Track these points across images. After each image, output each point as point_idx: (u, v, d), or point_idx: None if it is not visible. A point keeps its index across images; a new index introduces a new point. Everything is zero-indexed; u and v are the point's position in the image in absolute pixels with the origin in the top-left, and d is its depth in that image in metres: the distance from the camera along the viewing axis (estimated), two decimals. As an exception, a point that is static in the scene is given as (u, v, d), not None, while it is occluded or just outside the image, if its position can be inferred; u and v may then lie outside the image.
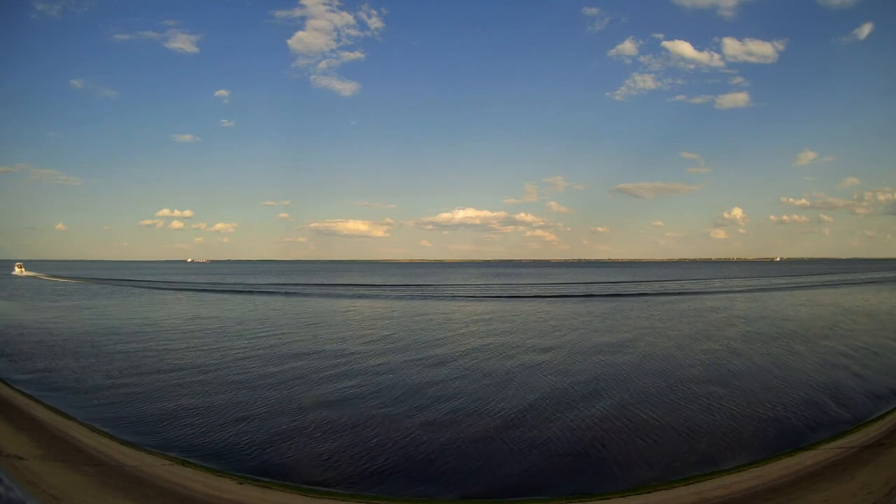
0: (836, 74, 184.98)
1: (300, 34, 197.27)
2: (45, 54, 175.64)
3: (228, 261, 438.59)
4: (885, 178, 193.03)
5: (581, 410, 13.07)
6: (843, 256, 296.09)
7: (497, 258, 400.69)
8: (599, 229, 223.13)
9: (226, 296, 55.03)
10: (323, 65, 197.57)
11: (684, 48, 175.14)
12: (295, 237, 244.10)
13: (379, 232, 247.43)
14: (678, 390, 14.93)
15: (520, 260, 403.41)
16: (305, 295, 56.59)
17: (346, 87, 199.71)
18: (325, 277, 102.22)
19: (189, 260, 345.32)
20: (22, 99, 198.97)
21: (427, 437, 11.28)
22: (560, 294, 55.92)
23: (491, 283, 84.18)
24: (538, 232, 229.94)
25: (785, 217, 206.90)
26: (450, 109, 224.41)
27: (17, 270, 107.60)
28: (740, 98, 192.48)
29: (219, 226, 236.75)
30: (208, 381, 16.38)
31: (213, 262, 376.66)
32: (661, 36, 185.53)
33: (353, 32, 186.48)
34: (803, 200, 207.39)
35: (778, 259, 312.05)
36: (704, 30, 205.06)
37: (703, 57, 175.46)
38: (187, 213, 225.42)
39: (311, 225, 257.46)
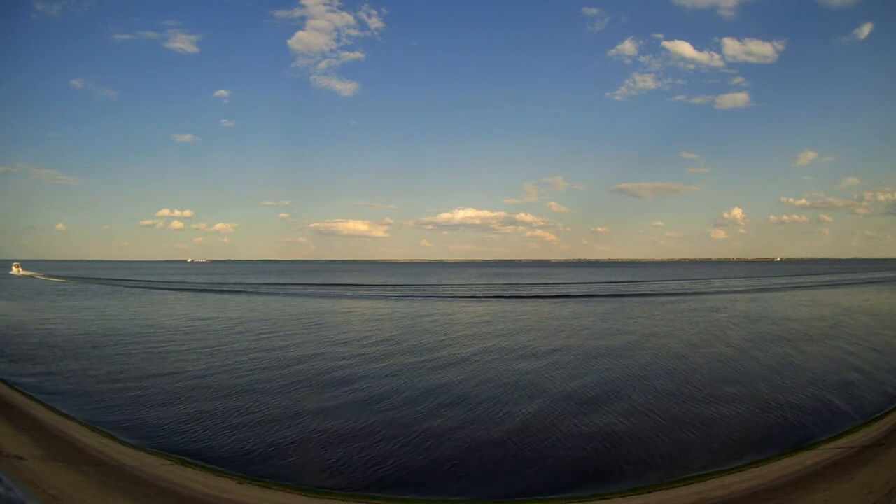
0: (836, 74, 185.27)
1: (300, 34, 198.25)
2: (45, 54, 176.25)
3: (228, 261, 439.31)
4: (885, 178, 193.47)
5: (594, 415, 12.85)
6: (843, 256, 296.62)
7: (497, 258, 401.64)
8: (599, 229, 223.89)
9: (226, 296, 55.02)
10: (323, 65, 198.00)
11: (684, 48, 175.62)
12: (295, 237, 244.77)
13: (379, 232, 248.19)
14: (690, 391, 14.92)
15: (520, 260, 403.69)
16: (306, 295, 56.58)
17: (346, 87, 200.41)
18: (325, 277, 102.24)
19: (189, 260, 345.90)
20: (22, 99, 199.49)
21: (436, 442, 11.05)
22: (561, 294, 55.91)
23: (492, 283, 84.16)
24: (538, 232, 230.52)
25: (785, 217, 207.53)
26: (450, 109, 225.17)
27: (14, 270, 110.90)
28: (740, 98, 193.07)
29: (219, 226, 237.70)
30: (210, 383, 16.31)
31: (213, 262, 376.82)
32: (661, 36, 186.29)
33: (353, 32, 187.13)
34: (803, 200, 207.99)
35: (778, 259, 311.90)
36: (704, 30, 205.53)
37: (703, 57, 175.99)
38: (187, 213, 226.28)
39: (311, 225, 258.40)
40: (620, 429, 11.76)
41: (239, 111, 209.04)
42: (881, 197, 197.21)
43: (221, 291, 61.78)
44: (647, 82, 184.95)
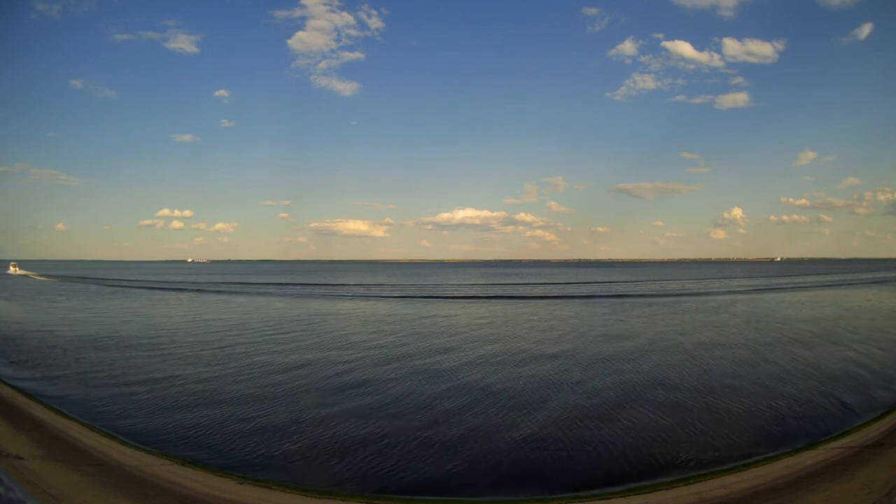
0: (836, 74, 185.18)
1: (300, 34, 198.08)
2: (45, 54, 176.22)
3: (228, 261, 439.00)
4: (885, 178, 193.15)
5: (601, 419, 12.67)
6: (843, 256, 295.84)
7: (497, 258, 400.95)
8: (599, 229, 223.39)
9: (227, 296, 55.05)
10: (323, 65, 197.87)
11: (684, 48, 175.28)
12: (295, 237, 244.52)
13: (379, 232, 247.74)
14: (697, 390, 14.97)
15: (520, 260, 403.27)
16: (306, 296, 56.60)
17: (346, 87, 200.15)
18: (325, 278, 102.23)
19: (189, 260, 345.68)
20: (22, 99, 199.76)
21: (441, 448, 10.87)
22: (562, 294, 55.93)
23: (492, 283, 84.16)
24: (538, 232, 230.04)
25: (785, 217, 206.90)
26: (450, 109, 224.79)
27: (11, 269, 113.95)
28: (740, 98, 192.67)
29: (219, 226, 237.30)
30: (212, 386, 16.14)
31: (213, 262, 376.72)
32: (661, 36, 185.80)
33: (353, 32, 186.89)
34: (803, 200, 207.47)
35: (778, 259, 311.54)
36: (704, 30, 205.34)
37: (703, 57, 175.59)
38: (187, 213, 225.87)
39: (311, 225, 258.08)
40: (633, 430, 11.74)
41: (239, 111, 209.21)
42: (881, 197, 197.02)
43: (222, 292, 61.80)
44: (647, 82, 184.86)
